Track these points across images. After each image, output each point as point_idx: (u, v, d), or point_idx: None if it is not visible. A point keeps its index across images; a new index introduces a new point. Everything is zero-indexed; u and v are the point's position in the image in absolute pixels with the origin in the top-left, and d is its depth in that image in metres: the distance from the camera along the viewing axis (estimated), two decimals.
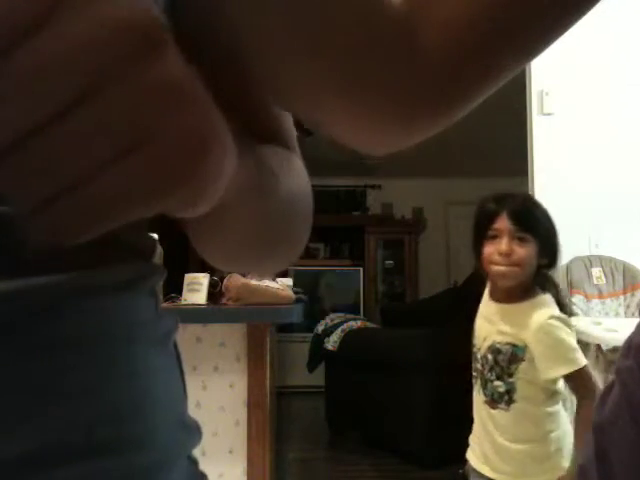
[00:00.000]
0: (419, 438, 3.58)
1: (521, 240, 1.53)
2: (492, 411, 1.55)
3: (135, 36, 0.21)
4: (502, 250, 1.52)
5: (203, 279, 2.13)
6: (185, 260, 3.34)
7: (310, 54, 0.35)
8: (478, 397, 1.62)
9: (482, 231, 1.59)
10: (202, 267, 2.11)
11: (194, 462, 0.41)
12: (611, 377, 0.53)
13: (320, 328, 4.77)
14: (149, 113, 0.22)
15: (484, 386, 1.58)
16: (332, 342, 4.48)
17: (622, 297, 2.81)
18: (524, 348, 1.49)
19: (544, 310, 1.50)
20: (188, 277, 2.15)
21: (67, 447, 0.30)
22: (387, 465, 3.64)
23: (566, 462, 1.47)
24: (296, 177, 0.44)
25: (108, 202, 0.22)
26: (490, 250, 1.56)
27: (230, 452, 2.08)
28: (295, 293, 2.25)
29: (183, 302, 2.11)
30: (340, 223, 6.73)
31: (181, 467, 0.38)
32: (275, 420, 2.85)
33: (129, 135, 0.22)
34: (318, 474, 3.66)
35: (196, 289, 2.12)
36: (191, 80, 0.23)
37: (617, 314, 2.78)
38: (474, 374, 1.65)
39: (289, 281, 2.54)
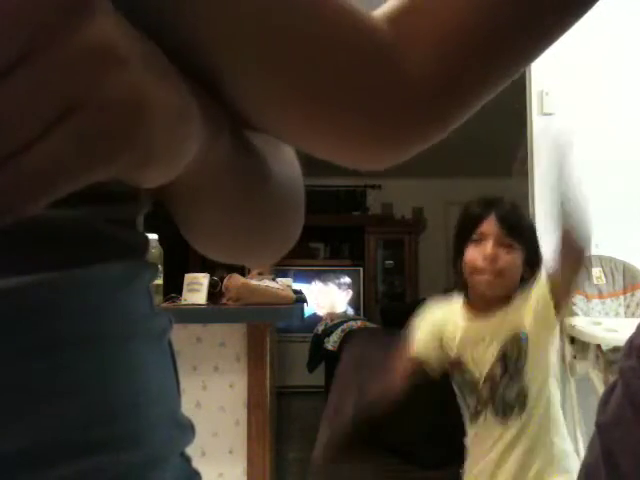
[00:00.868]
0: (419, 438, 3.58)
1: (507, 247, 1.45)
2: (505, 427, 1.44)
3: (60, 2, 0.21)
4: (487, 254, 1.43)
5: (203, 279, 2.13)
6: (185, 260, 3.34)
7: (287, 76, 0.35)
8: (485, 425, 1.48)
9: (465, 235, 1.50)
10: (202, 267, 2.11)
11: (187, 460, 0.41)
12: (612, 377, 0.53)
13: (320, 328, 4.77)
14: (78, 78, 0.22)
15: (496, 405, 1.45)
16: (332, 342, 4.48)
17: (622, 297, 2.81)
18: (525, 333, 1.42)
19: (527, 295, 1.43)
20: (188, 277, 2.15)
21: (62, 445, 0.30)
22: (387, 465, 3.64)
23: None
24: (285, 164, 0.44)
25: (47, 171, 0.22)
26: (473, 255, 1.46)
27: (230, 452, 2.07)
28: (295, 293, 2.25)
29: (183, 302, 2.11)
30: (340, 223, 6.73)
31: (175, 464, 0.38)
32: (275, 420, 2.85)
33: (60, 101, 0.22)
34: (317, 473, 3.66)
35: (196, 289, 2.12)
36: (126, 43, 0.24)
37: (617, 314, 2.78)
38: (475, 408, 1.50)
39: (289, 281, 2.54)
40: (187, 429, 0.41)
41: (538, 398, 1.43)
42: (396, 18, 0.36)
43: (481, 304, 1.50)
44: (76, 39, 0.22)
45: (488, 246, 1.45)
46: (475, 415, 1.49)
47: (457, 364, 1.53)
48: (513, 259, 1.46)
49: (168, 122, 0.27)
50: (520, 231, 1.48)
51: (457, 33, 0.35)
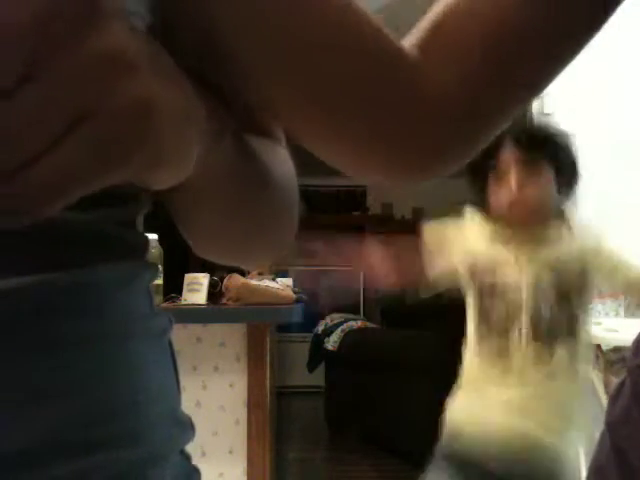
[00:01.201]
0: (419, 438, 3.58)
1: (534, 171, 1.22)
2: (547, 354, 1.25)
3: (70, 9, 0.21)
4: (512, 186, 1.21)
5: (203, 279, 2.13)
6: (185, 260, 3.34)
7: (311, 96, 0.35)
8: (519, 352, 1.27)
9: (482, 176, 1.26)
10: (202, 267, 2.11)
11: (187, 457, 0.41)
12: (612, 377, 0.54)
13: (320, 328, 4.77)
14: (89, 87, 0.22)
15: (539, 330, 1.26)
16: (332, 342, 4.48)
17: (622, 297, 2.81)
18: (571, 264, 1.26)
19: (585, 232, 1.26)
20: (188, 277, 2.15)
21: (62, 444, 0.30)
22: (387, 465, 3.65)
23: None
24: (281, 166, 0.44)
25: (56, 181, 0.23)
26: (497, 195, 1.24)
27: (230, 452, 2.07)
28: (295, 293, 2.24)
29: (183, 302, 2.11)
30: (340, 223, 6.73)
31: (174, 462, 0.38)
32: (275, 420, 2.85)
33: (69, 112, 0.22)
34: (318, 474, 3.66)
35: (196, 289, 2.11)
36: (134, 47, 0.24)
37: (617, 314, 2.78)
38: (503, 333, 1.29)
39: (289, 281, 2.54)
40: (187, 427, 0.41)
41: (579, 331, 1.29)
42: (422, 40, 0.37)
43: (510, 227, 1.29)
44: (85, 47, 0.22)
45: (512, 181, 1.22)
46: (502, 339, 1.30)
47: (487, 287, 1.33)
48: (544, 185, 1.25)
49: (176, 124, 0.28)
50: (543, 143, 1.26)
51: (482, 57, 0.35)
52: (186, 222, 0.41)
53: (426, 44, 0.37)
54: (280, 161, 0.44)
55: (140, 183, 0.29)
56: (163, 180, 0.30)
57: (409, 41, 0.37)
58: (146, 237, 0.40)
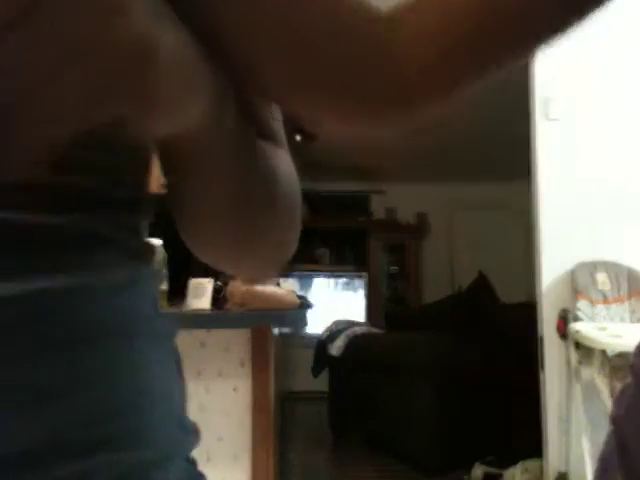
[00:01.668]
0: (423, 443, 3.57)
1: None
2: None
3: None
4: None
5: (207, 284, 2.13)
6: (189, 265, 3.34)
7: (287, 54, 0.36)
8: None
9: None
10: (206, 273, 2.11)
11: (192, 462, 0.41)
12: (617, 383, 0.55)
13: (324, 333, 4.77)
14: (84, 24, 0.24)
15: None
16: (336, 347, 4.48)
17: (627, 302, 2.80)
18: None
19: None
20: (192, 282, 2.15)
21: (64, 445, 0.30)
22: (391, 469, 3.64)
23: None
24: (283, 164, 0.44)
25: (62, 107, 0.25)
26: None
27: (234, 457, 2.07)
28: (299, 298, 2.24)
29: (187, 307, 2.11)
30: (344, 228, 6.73)
31: (179, 466, 0.38)
32: (279, 424, 2.84)
33: (72, 40, 0.24)
34: (322, 478, 3.65)
35: (200, 294, 2.12)
36: None
37: (622, 319, 2.77)
38: None
39: (293, 286, 2.54)
40: (192, 433, 0.41)
41: None
42: (400, 13, 0.38)
43: None
44: None
45: None
46: None
47: None
48: None
49: (176, 67, 0.29)
50: None
51: (458, 30, 0.36)
52: (189, 218, 0.41)
53: (404, 17, 0.38)
54: (283, 161, 0.44)
55: (136, 129, 0.30)
56: (159, 126, 0.31)
57: (388, 9, 0.38)
58: (151, 244, 0.40)
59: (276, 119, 0.45)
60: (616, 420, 0.54)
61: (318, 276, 6.81)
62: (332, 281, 6.87)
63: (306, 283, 6.69)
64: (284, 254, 0.47)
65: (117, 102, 0.26)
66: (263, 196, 0.41)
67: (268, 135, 0.44)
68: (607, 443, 0.55)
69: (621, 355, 2.36)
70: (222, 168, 0.37)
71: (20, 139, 0.25)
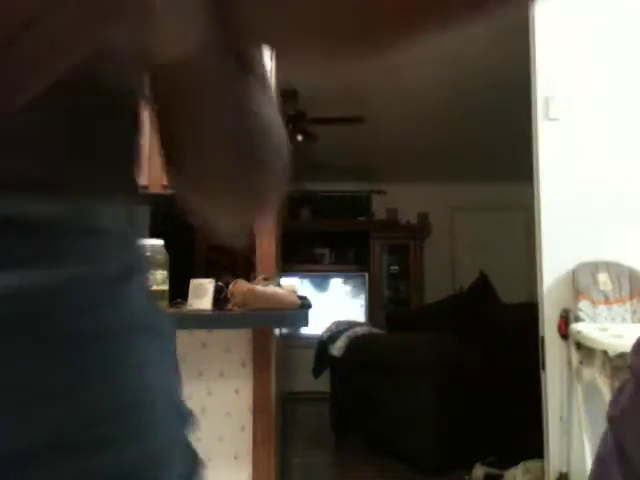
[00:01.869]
0: (424, 443, 3.57)
1: None
2: None
3: None
4: None
5: (208, 285, 2.13)
6: (190, 266, 3.34)
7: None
8: None
9: None
10: (207, 273, 2.11)
11: (188, 445, 0.41)
12: (618, 383, 0.55)
13: (325, 334, 4.76)
14: None
15: None
16: (337, 348, 4.47)
17: (629, 303, 2.80)
18: None
19: None
20: (193, 283, 2.15)
21: (65, 444, 0.30)
22: (392, 471, 3.63)
23: None
24: (268, 104, 0.44)
25: (65, 33, 0.25)
26: None
27: (235, 458, 2.07)
28: (300, 298, 2.24)
29: (188, 308, 2.11)
30: (345, 228, 6.72)
31: (179, 458, 0.38)
32: (280, 425, 2.84)
33: None
34: (323, 479, 3.65)
35: (201, 295, 2.12)
36: None
37: (624, 320, 2.77)
38: None
39: (294, 285, 2.54)
40: (188, 417, 0.41)
41: None
42: None
43: None
44: None
45: None
46: None
47: None
48: None
49: None
50: None
51: None
52: (180, 150, 0.41)
53: None
54: (268, 99, 0.44)
55: (139, 50, 0.30)
56: (162, 49, 0.31)
57: None
58: (141, 234, 0.40)
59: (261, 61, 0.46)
60: (613, 421, 0.54)
61: (319, 276, 6.80)
62: (333, 281, 6.86)
63: (307, 283, 6.70)
64: (271, 190, 0.46)
65: (118, 20, 0.26)
66: (251, 128, 0.41)
67: (259, 75, 0.44)
68: (603, 442, 0.55)
69: (622, 356, 2.36)
70: (216, 98, 0.38)
71: (21, 68, 0.25)
